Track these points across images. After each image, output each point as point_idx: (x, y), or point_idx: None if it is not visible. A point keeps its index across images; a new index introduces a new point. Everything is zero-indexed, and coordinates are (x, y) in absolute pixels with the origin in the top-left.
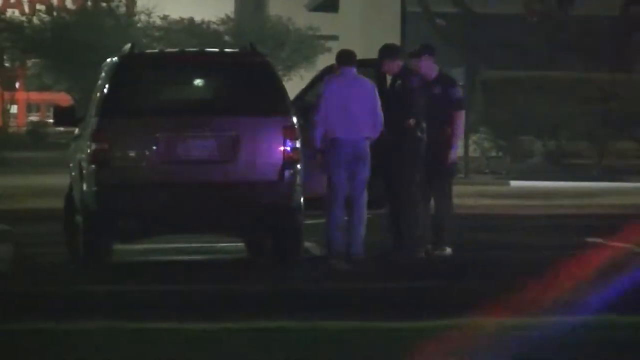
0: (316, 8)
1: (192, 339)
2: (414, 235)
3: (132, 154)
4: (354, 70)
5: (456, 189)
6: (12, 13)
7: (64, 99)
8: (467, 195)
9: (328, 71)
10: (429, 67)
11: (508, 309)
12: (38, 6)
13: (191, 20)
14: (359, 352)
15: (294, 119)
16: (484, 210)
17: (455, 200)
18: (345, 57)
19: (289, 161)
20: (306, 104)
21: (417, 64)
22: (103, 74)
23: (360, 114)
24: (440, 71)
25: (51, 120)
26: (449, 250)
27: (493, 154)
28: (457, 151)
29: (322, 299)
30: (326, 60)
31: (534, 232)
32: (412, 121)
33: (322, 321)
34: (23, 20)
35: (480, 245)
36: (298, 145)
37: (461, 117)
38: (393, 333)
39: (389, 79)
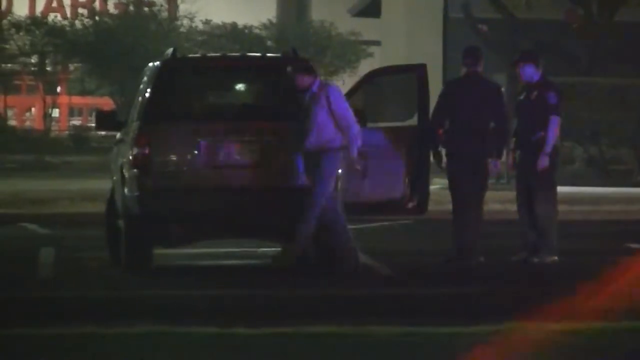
0: (359, 13)
1: (238, 344)
2: (461, 243)
3: (173, 158)
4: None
5: (500, 195)
6: (54, 17)
7: (106, 103)
8: (510, 202)
9: (371, 76)
10: (526, 73)
11: (554, 314)
12: (80, 10)
13: (234, 25)
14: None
15: None
16: None
17: (499, 206)
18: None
19: None
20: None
21: (516, 70)
22: (145, 79)
23: None
24: (542, 77)
25: (93, 125)
26: (553, 258)
27: None
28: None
29: (366, 304)
30: (369, 65)
31: (577, 237)
32: None
33: (369, 326)
34: (65, 25)
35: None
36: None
37: (555, 123)
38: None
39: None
